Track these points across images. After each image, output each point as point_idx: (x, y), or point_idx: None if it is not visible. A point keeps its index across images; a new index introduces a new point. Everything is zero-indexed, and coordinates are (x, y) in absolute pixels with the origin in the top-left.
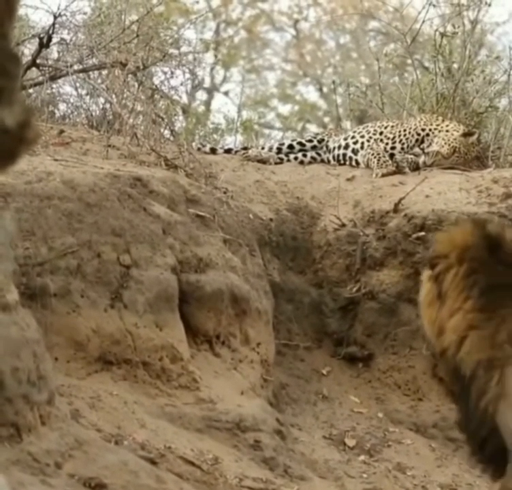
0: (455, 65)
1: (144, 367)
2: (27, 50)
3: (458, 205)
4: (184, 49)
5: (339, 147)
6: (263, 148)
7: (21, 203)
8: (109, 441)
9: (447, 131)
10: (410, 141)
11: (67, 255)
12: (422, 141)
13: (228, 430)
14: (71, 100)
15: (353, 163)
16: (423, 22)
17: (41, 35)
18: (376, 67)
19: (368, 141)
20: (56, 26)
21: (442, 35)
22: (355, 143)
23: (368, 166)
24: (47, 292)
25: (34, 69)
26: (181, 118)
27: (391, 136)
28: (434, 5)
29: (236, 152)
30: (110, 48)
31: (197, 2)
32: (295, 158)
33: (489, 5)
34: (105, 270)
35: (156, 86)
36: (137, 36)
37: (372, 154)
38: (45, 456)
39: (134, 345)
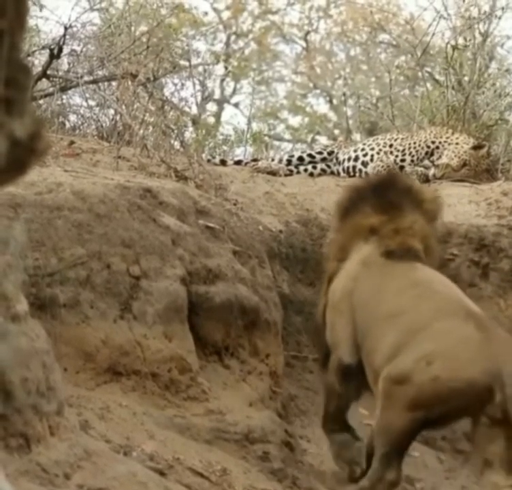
0: (466, 78)
1: (153, 378)
2: (38, 61)
3: (468, 217)
4: (194, 60)
5: (349, 159)
6: (273, 160)
7: (31, 213)
8: (118, 452)
9: (457, 143)
10: (420, 153)
11: (76, 266)
12: (432, 154)
13: (237, 441)
14: (82, 111)
15: (363, 175)
16: (433, 34)
17: (52, 46)
18: (386, 79)
19: (378, 153)
20: (67, 37)
21: (453, 47)
22: (365, 155)
23: None
24: (56, 302)
25: (44, 80)
26: (191, 129)
27: (401, 148)
28: (445, 18)
29: (246, 163)
30: (120, 59)
31: (206, 13)
32: (305, 170)
33: (500, 18)
34: (115, 281)
35: (166, 97)
36: (148, 47)
37: (382, 166)
38: (54, 467)
39: (143, 356)
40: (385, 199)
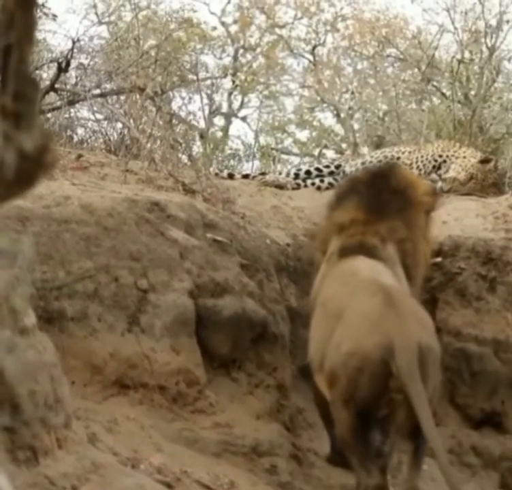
0: (473, 92)
1: (161, 391)
2: (46, 75)
3: (475, 231)
4: (202, 74)
5: (356, 171)
6: (280, 174)
7: (39, 227)
8: (126, 465)
9: (464, 157)
10: (428, 167)
11: (84, 279)
12: (439, 168)
13: (244, 454)
14: (89, 124)
15: None
16: (437, 48)
17: (60, 60)
18: (393, 93)
19: None
20: (75, 50)
21: (459, 61)
22: None
23: None
24: (64, 316)
25: (52, 93)
26: (199, 143)
27: (409, 162)
28: (452, 32)
29: (254, 177)
30: (128, 73)
31: (215, 28)
32: (313, 184)
33: (507, 32)
34: (123, 294)
35: (174, 111)
36: (156, 61)
37: None
38: (62, 480)
39: (151, 369)
40: (370, 197)
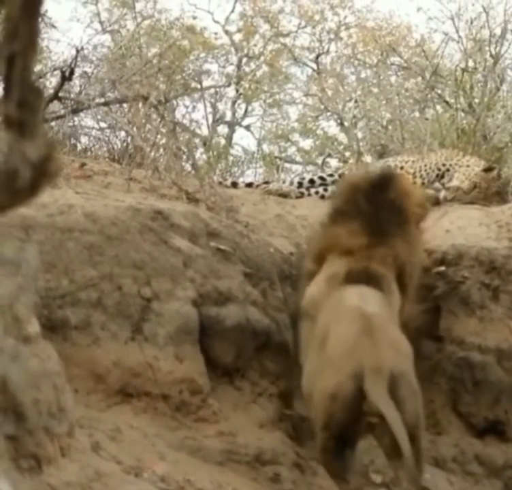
0: (476, 100)
1: (164, 399)
2: (49, 83)
3: (478, 239)
4: (205, 82)
5: None
6: (284, 182)
7: (42, 235)
8: (129, 473)
9: (468, 166)
10: (431, 176)
11: (88, 288)
12: (442, 176)
13: (247, 463)
14: (93, 133)
15: None
16: (442, 57)
17: (64, 68)
18: (397, 102)
19: None
20: (79, 59)
21: (463, 70)
22: None
23: None
24: (68, 324)
25: (56, 102)
26: (202, 151)
27: (412, 171)
28: (457, 41)
29: (257, 186)
30: (132, 82)
31: (216, 33)
32: (316, 193)
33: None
34: (126, 303)
35: (177, 119)
36: (159, 69)
37: None
38: (65, 488)
39: (154, 377)
40: (371, 217)
